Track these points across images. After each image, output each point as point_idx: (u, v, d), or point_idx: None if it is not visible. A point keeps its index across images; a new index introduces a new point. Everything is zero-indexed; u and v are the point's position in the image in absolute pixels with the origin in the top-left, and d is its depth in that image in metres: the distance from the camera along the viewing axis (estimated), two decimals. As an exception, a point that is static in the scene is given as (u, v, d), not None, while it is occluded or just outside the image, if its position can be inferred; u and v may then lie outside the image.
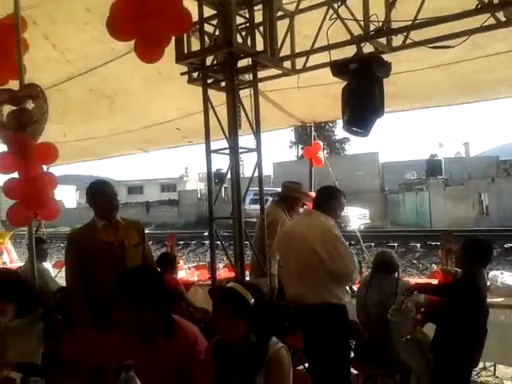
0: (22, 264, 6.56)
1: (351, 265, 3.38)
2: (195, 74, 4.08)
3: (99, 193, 3.57)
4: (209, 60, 3.95)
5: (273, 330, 2.18)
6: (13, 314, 3.16)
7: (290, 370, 2.08)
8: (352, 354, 4.25)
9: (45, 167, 3.99)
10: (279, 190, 5.16)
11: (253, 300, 2.07)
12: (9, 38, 3.57)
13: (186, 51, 3.71)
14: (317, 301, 3.40)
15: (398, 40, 3.65)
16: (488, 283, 4.16)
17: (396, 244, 13.31)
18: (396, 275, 3.82)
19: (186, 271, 6.35)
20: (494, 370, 4.47)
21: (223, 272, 5.86)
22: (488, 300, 3.89)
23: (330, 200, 3.59)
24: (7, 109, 3.89)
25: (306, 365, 3.71)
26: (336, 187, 3.81)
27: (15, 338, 3.08)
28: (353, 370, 4.16)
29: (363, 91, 3.28)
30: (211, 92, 3.92)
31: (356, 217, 18.17)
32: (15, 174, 3.76)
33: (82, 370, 2.91)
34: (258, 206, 4.05)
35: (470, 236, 3.48)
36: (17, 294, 3.31)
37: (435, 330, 3.35)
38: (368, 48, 3.58)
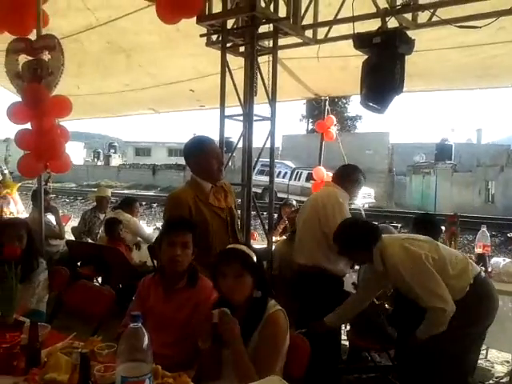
0: (27, 215, 6.62)
1: None
2: (214, 37, 4.02)
3: (209, 150, 3.05)
4: (229, 23, 3.88)
5: (270, 291, 2.24)
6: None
7: (286, 334, 2.09)
8: (348, 327, 4.32)
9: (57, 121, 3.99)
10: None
11: (255, 258, 2.14)
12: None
13: (207, 12, 3.64)
14: (309, 262, 3.56)
15: (423, 17, 3.58)
16: (489, 269, 4.20)
17: (399, 225, 13.30)
18: None
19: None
20: (486, 353, 4.54)
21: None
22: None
23: (348, 176, 3.77)
24: (23, 59, 3.86)
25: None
26: (358, 166, 3.92)
27: (21, 286, 3.14)
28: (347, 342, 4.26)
29: (384, 66, 3.23)
30: (228, 55, 3.88)
31: (361, 195, 18.15)
32: (28, 125, 3.77)
33: (85, 320, 2.99)
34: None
35: (418, 214, 3.62)
36: (29, 243, 3.36)
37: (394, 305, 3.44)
38: (392, 23, 3.51)
